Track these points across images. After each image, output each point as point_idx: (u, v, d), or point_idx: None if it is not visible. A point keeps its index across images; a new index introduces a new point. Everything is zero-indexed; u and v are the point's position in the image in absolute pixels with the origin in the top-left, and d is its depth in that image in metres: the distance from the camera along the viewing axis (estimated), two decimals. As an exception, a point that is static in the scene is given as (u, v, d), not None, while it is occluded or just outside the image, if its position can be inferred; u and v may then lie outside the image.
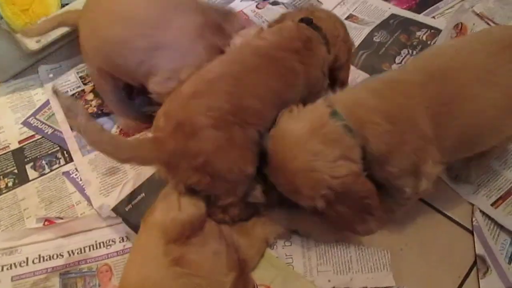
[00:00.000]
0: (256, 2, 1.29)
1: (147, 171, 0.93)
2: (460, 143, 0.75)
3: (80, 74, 1.14)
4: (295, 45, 0.79)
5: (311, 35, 0.82)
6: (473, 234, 0.85)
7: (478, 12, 1.22)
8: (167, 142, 0.69)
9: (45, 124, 1.04)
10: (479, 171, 0.91)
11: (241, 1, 1.31)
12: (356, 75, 1.08)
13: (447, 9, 1.24)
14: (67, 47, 1.16)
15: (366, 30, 1.17)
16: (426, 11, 1.24)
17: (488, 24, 1.18)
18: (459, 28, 1.15)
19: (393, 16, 1.21)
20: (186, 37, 0.87)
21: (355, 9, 1.25)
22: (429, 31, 1.16)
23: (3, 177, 0.96)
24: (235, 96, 0.72)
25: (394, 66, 1.10)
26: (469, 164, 0.89)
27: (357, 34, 1.17)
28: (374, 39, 1.15)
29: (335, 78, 0.89)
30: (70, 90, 1.10)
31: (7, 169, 0.97)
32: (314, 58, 0.81)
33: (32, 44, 1.06)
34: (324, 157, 0.67)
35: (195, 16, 0.88)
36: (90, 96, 1.09)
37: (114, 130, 1.03)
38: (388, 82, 0.74)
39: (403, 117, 0.70)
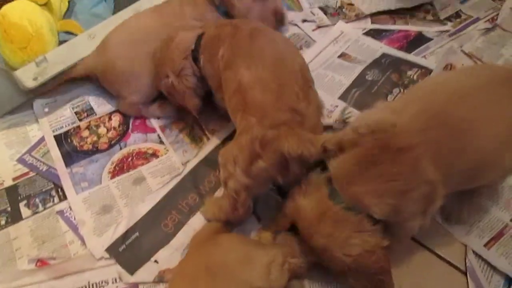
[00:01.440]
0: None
1: (142, 210, 0.94)
2: (465, 178, 0.77)
3: (76, 110, 1.14)
4: None
5: None
6: (466, 275, 0.85)
7: (467, 52, 1.25)
8: None
9: (40, 161, 1.04)
10: (471, 210, 0.92)
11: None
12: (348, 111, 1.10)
13: (437, 48, 1.28)
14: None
15: (359, 68, 1.20)
16: (416, 50, 1.27)
17: (476, 63, 1.22)
18: (449, 69, 1.18)
19: (384, 55, 1.24)
20: None
21: (348, 47, 1.28)
22: (420, 71, 1.19)
23: (-4, 215, 0.95)
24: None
25: (389, 97, 1.13)
26: (461, 203, 0.91)
27: (350, 73, 1.19)
28: (366, 77, 1.18)
29: None
30: (65, 126, 1.11)
31: (0, 207, 0.97)
32: None
33: (29, 82, 1.07)
34: (335, 239, 0.72)
35: None
36: (86, 133, 1.10)
37: (109, 166, 1.03)
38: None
39: (407, 171, 0.70)
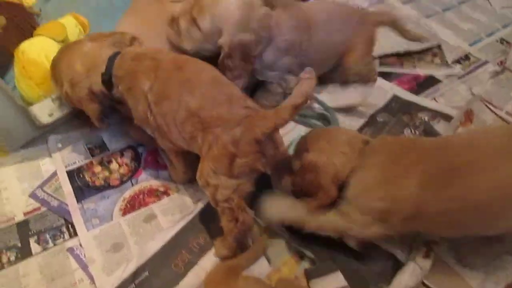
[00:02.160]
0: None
1: (152, 248, 0.93)
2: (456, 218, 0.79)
3: (89, 146, 1.15)
4: None
5: None
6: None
7: (475, 94, 1.27)
8: None
9: (52, 196, 1.04)
10: (489, 256, 0.91)
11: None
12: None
13: (446, 90, 1.29)
14: (77, 117, 1.19)
15: (369, 112, 1.21)
16: (426, 91, 1.28)
17: (487, 106, 1.22)
18: (467, 113, 1.19)
19: (395, 98, 1.26)
20: None
21: (358, 88, 1.30)
22: (430, 113, 1.20)
23: (6, 251, 0.95)
24: None
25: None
26: (478, 247, 0.90)
27: (360, 114, 1.20)
28: (377, 118, 1.19)
29: None
30: (78, 162, 1.12)
31: (10, 242, 0.96)
32: None
33: (45, 117, 1.08)
34: None
35: None
36: (98, 169, 1.10)
37: (120, 202, 1.03)
38: None
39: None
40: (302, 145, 0.91)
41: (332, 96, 1.20)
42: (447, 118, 1.19)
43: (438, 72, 1.37)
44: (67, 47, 1.03)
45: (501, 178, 0.74)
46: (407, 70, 1.37)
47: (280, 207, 0.90)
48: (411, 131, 1.16)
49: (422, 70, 1.37)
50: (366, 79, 1.20)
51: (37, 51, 1.15)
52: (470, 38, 1.48)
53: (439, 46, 1.46)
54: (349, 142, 0.86)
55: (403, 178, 0.78)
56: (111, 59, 0.97)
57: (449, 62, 1.40)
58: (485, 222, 0.79)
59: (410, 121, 1.18)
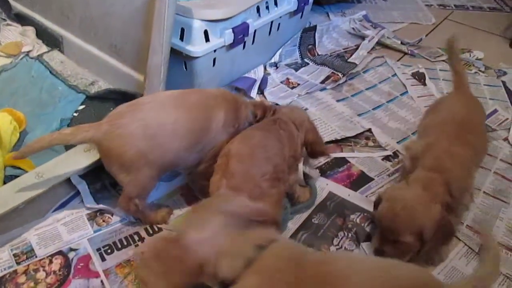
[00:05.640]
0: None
1: None
2: None
3: (15, 251, 1.09)
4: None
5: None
6: None
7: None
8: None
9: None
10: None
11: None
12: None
13: (378, 189, 1.36)
14: (3, 219, 1.13)
15: (305, 214, 1.24)
16: (360, 189, 1.34)
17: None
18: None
19: (330, 195, 1.30)
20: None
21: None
22: (362, 214, 1.25)
23: None
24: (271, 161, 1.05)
25: (332, 248, 1.16)
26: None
27: (297, 217, 1.23)
28: (313, 220, 1.22)
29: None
30: (0, 271, 1.05)
31: None
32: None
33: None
34: None
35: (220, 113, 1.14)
36: (22, 279, 1.04)
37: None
38: None
39: None
40: None
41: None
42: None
43: (374, 154, 1.45)
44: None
45: None
46: (347, 154, 1.46)
47: None
48: (344, 234, 1.19)
49: (360, 154, 1.45)
50: None
51: (-36, 151, 1.11)
52: (398, 136, 1.58)
53: (370, 130, 1.57)
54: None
55: None
56: None
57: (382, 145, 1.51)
58: None
59: (343, 224, 1.22)
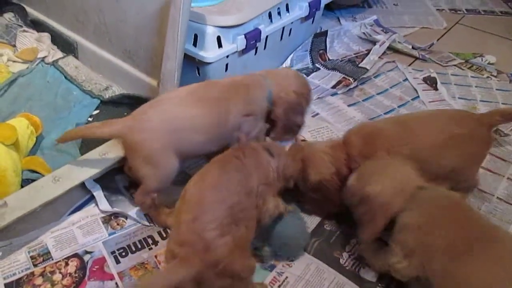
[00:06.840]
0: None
1: None
2: None
3: (32, 254, 1.11)
4: None
5: None
6: None
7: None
8: (192, 262, 0.85)
9: (-14, 315, 0.98)
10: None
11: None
12: (309, 261, 1.13)
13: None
14: (21, 222, 1.15)
15: (317, 218, 1.25)
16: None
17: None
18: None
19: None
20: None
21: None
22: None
23: None
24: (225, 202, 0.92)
25: (344, 254, 1.17)
26: None
27: (309, 221, 1.24)
28: (324, 227, 1.23)
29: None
30: (18, 273, 1.07)
31: None
32: None
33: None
34: None
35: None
36: (39, 281, 1.06)
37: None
38: None
39: None
40: (362, 173, 1.06)
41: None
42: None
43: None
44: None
45: None
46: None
47: None
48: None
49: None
50: None
51: (-16, 155, 1.13)
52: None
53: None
54: (402, 181, 0.99)
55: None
56: None
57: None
58: None
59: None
